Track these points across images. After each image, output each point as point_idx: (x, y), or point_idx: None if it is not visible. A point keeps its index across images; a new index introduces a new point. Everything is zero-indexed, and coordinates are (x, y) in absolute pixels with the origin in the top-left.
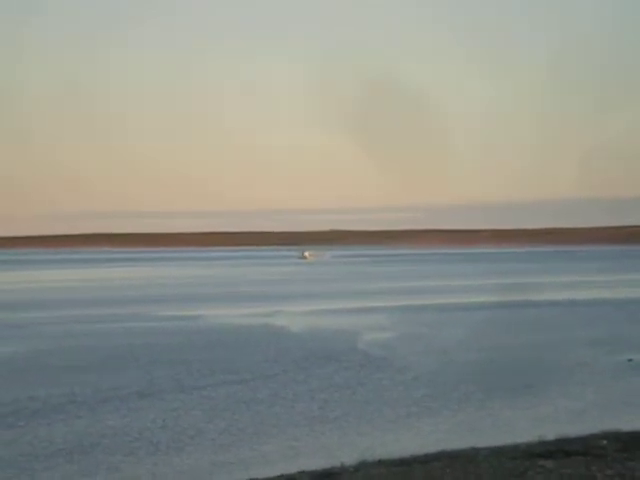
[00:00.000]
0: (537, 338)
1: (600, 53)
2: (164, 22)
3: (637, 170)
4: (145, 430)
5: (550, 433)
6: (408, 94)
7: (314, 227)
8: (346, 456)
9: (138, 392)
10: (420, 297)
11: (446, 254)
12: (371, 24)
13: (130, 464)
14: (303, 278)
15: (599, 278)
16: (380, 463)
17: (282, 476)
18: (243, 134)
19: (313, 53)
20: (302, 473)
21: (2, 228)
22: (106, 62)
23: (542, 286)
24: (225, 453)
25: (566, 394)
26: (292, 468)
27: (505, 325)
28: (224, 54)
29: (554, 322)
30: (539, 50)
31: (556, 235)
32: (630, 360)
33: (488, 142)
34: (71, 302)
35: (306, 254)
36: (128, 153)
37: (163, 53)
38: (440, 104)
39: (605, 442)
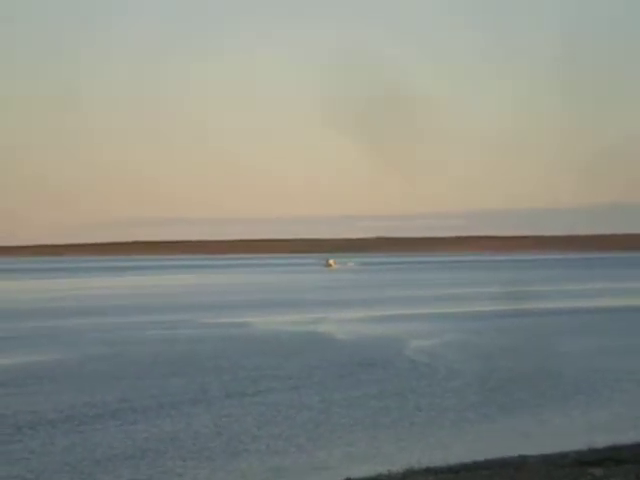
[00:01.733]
0: (584, 344)
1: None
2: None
3: None
4: (200, 436)
5: (600, 441)
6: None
7: (359, 234)
8: (395, 463)
9: (189, 399)
10: (461, 304)
11: (489, 261)
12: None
13: (188, 469)
14: (342, 285)
15: None
16: (427, 471)
17: None
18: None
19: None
20: None
21: (50, 235)
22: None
23: (589, 292)
24: (278, 459)
25: (616, 402)
26: (341, 474)
27: (551, 332)
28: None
29: (601, 328)
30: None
31: (607, 241)
32: None
33: (527, 143)
34: (119, 309)
35: (331, 262)
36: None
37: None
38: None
39: None
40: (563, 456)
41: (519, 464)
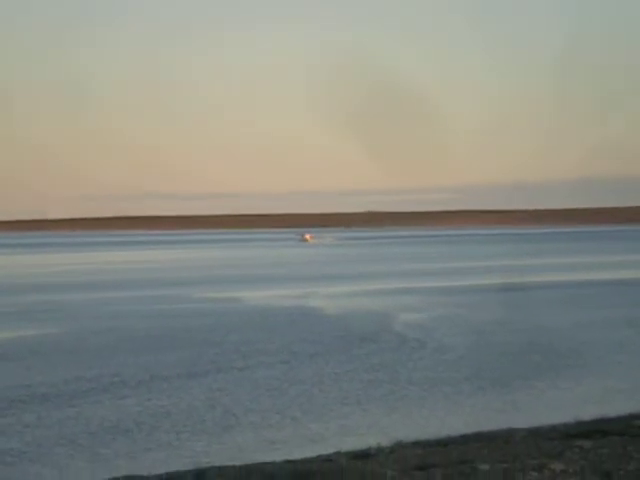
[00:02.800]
0: (576, 318)
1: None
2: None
3: None
4: (193, 409)
5: (589, 413)
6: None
7: (348, 209)
8: (385, 436)
9: (182, 373)
10: (451, 278)
11: (481, 235)
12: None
13: (183, 441)
14: (326, 260)
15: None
16: (416, 444)
17: (320, 456)
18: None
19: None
20: (339, 454)
21: (41, 209)
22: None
23: (581, 266)
24: (272, 432)
25: (606, 374)
26: (333, 447)
27: (541, 305)
28: None
29: (593, 302)
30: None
31: (601, 214)
32: None
33: (519, 119)
34: (109, 285)
35: (307, 236)
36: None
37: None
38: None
39: None
40: (551, 429)
41: (508, 437)
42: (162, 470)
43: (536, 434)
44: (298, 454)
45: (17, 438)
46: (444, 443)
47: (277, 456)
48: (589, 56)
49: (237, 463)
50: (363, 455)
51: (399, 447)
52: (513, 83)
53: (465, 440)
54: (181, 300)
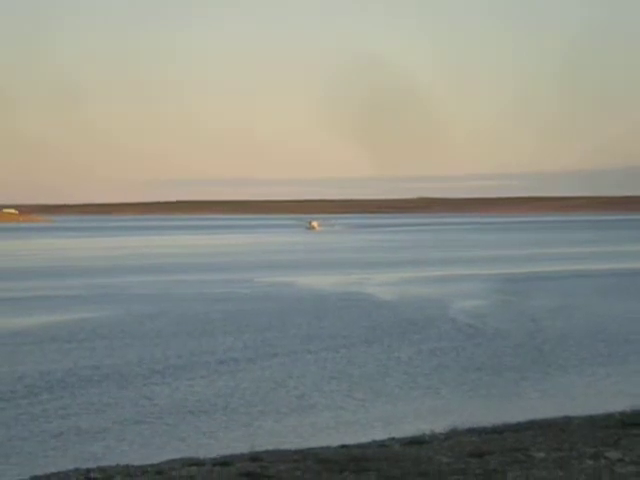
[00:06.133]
0: (631, 306)
1: None
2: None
3: None
4: (263, 390)
5: None
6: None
7: (402, 195)
8: (441, 422)
9: (249, 356)
10: (506, 266)
11: (539, 222)
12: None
13: (263, 421)
14: (376, 246)
15: None
16: (471, 431)
17: (374, 442)
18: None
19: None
20: (392, 439)
21: (99, 194)
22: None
23: (632, 254)
24: (342, 413)
25: None
26: (389, 432)
27: (595, 293)
28: None
29: None
30: None
31: None
32: None
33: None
34: (170, 268)
35: (314, 224)
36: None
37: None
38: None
39: None
40: (607, 417)
41: (564, 424)
42: (219, 452)
43: (592, 422)
44: (354, 439)
45: (106, 414)
46: (500, 431)
47: (333, 440)
48: None
49: (293, 447)
50: (417, 441)
51: (454, 434)
52: None
53: (521, 428)
54: (247, 285)
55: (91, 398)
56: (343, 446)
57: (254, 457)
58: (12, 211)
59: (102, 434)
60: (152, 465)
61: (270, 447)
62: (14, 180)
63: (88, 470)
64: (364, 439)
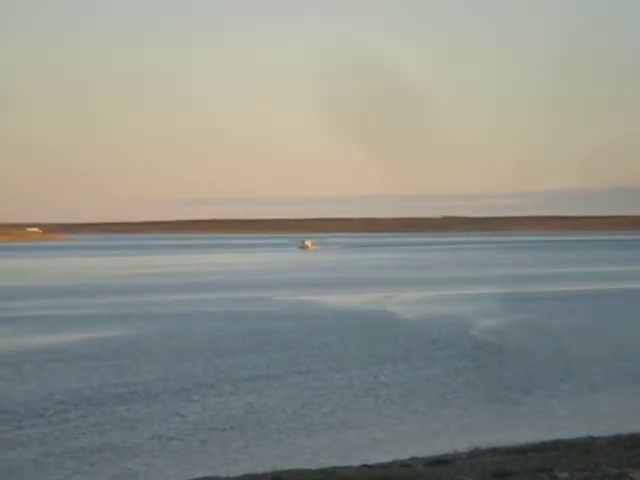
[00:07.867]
0: None
1: None
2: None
3: None
4: (288, 408)
5: None
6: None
7: (425, 214)
8: (464, 442)
9: (272, 374)
10: (523, 285)
11: (557, 241)
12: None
13: (288, 439)
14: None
15: None
16: (494, 450)
17: (395, 461)
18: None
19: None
20: (415, 459)
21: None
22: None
23: None
24: (372, 431)
25: None
26: (414, 452)
27: (617, 313)
28: None
29: None
30: None
31: None
32: None
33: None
34: (189, 287)
35: (307, 243)
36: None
37: None
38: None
39: None
40: (632, 437)
41: (588, 445)
42: (242, 471)
43: (616, 442)
44: (377, 458)
45: (131, 432)
46: (523, 450)
47: (355, 460)
48: None
49: (315, 466)
50: (440, 461)
51: (477, 453)
52: None
53: (544, 447)
54: (268, 304)
55: (122, 415)
56: (365, 465)
57: (275, 477)
58: (36, 230)
59: (136, 450)
60: None
61: (292, 466)
62: (36, 199)
63: None
64: (387, 458)
